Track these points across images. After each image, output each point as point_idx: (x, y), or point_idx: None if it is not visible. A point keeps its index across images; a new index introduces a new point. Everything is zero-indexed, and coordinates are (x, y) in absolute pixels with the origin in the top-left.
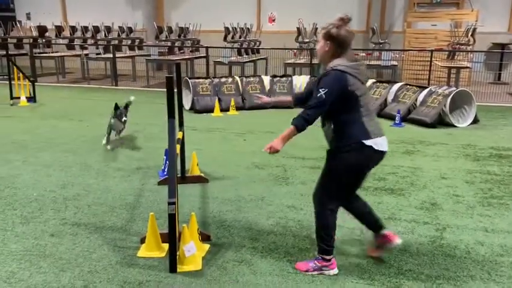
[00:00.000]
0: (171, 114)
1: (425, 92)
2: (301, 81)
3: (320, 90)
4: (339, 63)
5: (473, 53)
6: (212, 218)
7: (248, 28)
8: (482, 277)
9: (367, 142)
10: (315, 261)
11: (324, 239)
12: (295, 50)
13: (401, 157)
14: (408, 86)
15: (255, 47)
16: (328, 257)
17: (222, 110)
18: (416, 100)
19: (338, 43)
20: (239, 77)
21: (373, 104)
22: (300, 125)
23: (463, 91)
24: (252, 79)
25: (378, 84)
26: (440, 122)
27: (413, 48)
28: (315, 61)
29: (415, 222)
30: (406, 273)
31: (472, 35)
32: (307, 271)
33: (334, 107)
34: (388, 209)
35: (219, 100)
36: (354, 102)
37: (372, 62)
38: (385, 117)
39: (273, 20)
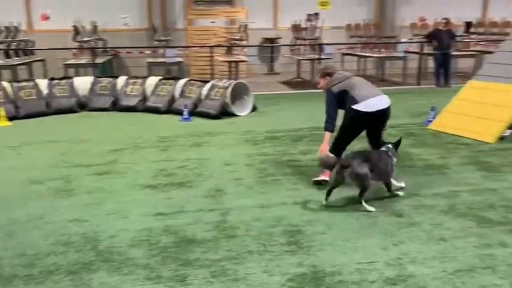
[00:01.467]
0: None
1: (208, 86)
2: (84, 82)
3: (325, 103)
4: (328, 84)
5: (248, 48)
6: None
7: (16, 27)
8: (259, 250)
9: (355, 107)
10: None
11: None
12: (74, 50)
13: (190, 150)
14: (192, 81)
15: (27, 48)
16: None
17: None
18: (201, 94)
19: (332, 73)
20: (9, 82)
21: (360, 80)
22: (328, 127)
23: (241, 83)
24: (25, 84)
25: (164, 81)
26: (224, 112)
27: (196, 44)
28: (99, 60)
29: (201, 211)
30: (193, 263)
31: (244, 31)
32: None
33: (339, 101)
34: (177, 203)
35: None
36: (344, 92)
37: (158, 60)
38: (174, 112)
39: (47, 18)
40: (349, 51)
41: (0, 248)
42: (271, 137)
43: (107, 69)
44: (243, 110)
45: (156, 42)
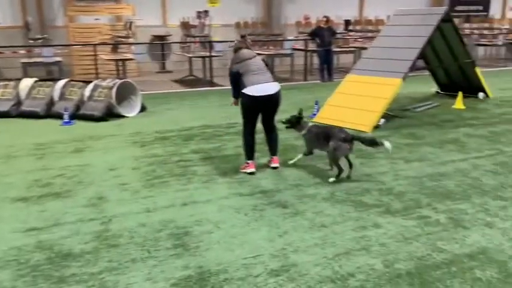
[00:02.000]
0: None
1: (90, 86)
2: None
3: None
4: (232, 61)
5: (135, 45)
6: None
7: None
8: (142, 257)
9: (244, 91)
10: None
11: (245, 150)
12: None
13: (70, 156)
14: (73, 82)
15: None
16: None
17: None
18: (83, 95)
19: (237, 50)
20: None
21: (255, 65)
22: (233, 94)
23: (127, 82)
24: None
25: (41, 83)
26: (111, 114)
27: (78, 42)
28: None
29: (80, 222)
30: (68, 279)
31: (130, 28)
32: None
33: (237, 78)
34: (53, 215)
35: None
36: (240, 74)
37: (35, 60)
38: (54, 117)
39: None
40: None
41: None
42: (161, 137)
43: None
44: (131, 111)
45: (31, 41)
